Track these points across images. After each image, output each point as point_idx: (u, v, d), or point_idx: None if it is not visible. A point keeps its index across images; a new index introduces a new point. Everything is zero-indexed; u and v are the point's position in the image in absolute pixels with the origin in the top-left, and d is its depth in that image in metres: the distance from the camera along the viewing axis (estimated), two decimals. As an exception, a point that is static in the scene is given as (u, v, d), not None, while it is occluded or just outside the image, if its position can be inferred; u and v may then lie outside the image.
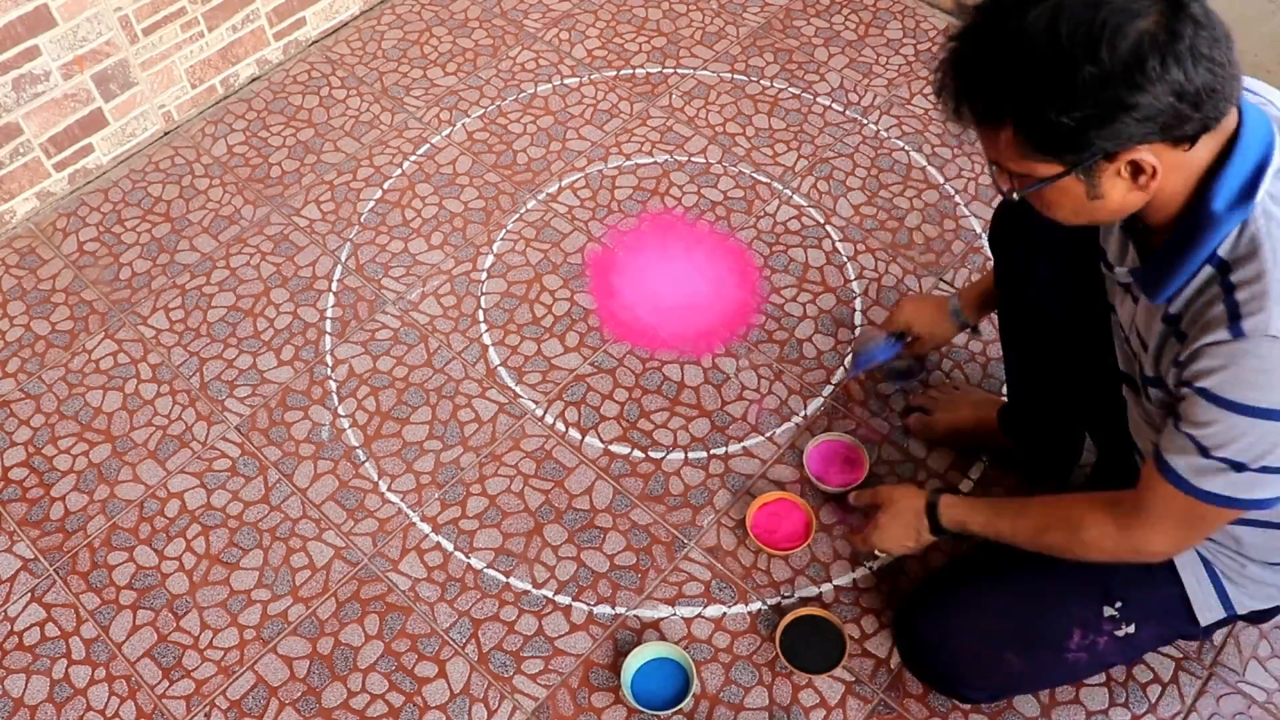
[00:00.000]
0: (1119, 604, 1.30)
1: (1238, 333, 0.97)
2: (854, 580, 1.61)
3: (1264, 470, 1.02)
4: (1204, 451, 1.04)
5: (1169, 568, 1.27)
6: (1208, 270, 1.01)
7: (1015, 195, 1.02)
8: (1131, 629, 1.30)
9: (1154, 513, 1.13)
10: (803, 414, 1.79)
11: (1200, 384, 1.01)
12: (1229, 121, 0.97)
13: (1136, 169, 0.95)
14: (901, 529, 1.42)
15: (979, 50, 0.95)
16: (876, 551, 1.48)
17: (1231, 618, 1.29)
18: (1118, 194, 0.98)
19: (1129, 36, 0.88)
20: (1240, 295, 0.98)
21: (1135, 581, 1.28)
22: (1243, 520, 1.16)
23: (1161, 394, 1.12)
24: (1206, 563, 1.26)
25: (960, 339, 1.81)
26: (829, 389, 1.82)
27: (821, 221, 2.06)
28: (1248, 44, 2.00)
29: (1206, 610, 1.27)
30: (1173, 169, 0.96)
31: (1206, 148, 0.97)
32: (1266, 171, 0.97)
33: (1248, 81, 1.03)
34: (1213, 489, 1.05)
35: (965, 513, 1.35)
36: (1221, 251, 1.00)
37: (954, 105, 0.98)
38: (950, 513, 1.37)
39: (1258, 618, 1.34)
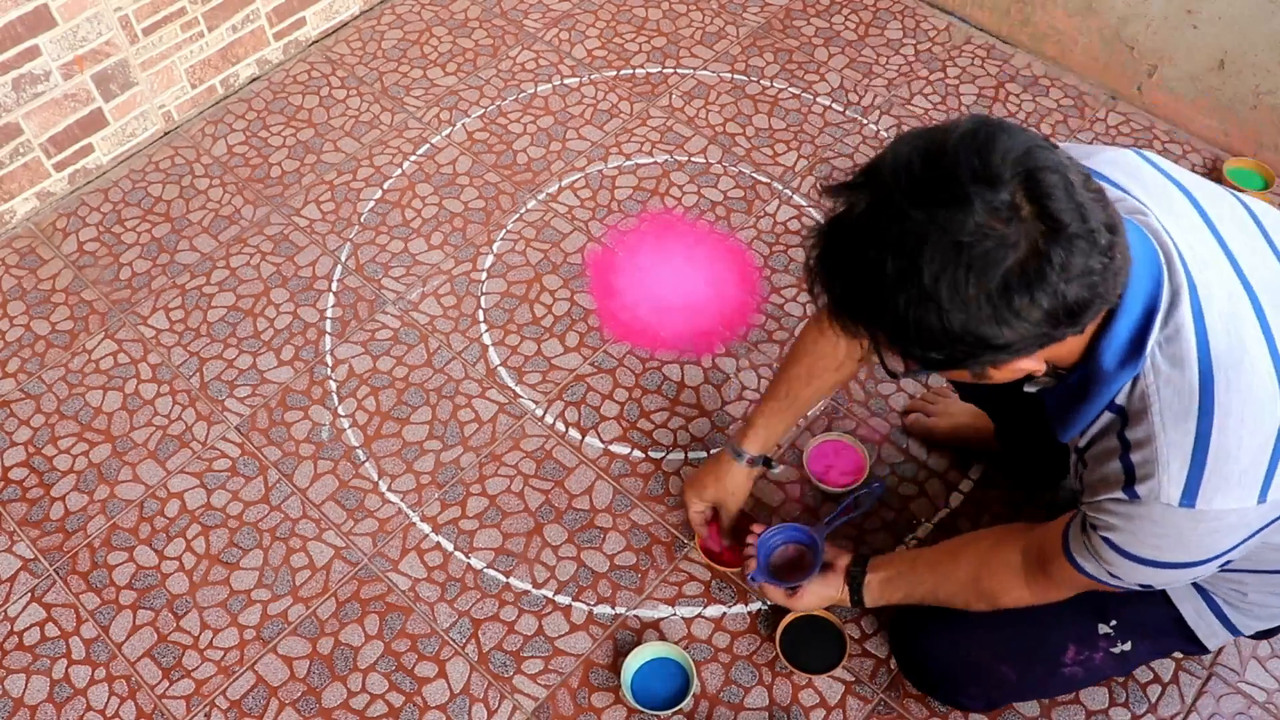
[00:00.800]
0: (1114, 622, 1.29)
1: (1133, 496, 0.97)
2: (854, 580, 1.61)
3: (1171, 579, 1.07)
4: (1110, 574, 1.07)
5: (1163, 595, 1.26)
6: (1108, 416, 0.99)
7: (893, 375, 0.96)
8: (1127, 646, 1.30)
9: (1060, 583, 1.18)
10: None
11: (1103, 534, 1.03)
12: None
13: (1019, 368, 0.92)
14: (822, 591, 1.46)
15: (840, 275, 0.89)
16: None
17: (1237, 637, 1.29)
18: (1001, 377, 0.95)
19: (994, 278, 0.81)
20: (1134, 457, 0.96)
21: (1131, 601, 1.26)
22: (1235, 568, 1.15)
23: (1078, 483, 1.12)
24: (1205, 592, 1.24)
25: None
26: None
27: (821, 221, 2.05)
28: (1248, 44, 2.00)
29: (1211, 637, 1.26)
30: (1058, 345, 0.91)
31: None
32: (1155, 318, 0.92)
33: (1123, 165, 1.02)
34: (1119, 581, 1.09)
35: (881, 590, 1.42)
36: (1119, 400, 0.98)
37: (825, 306, 0.92)
38: (871, 592, 1.43)
39: (1265, 634, 1.31)
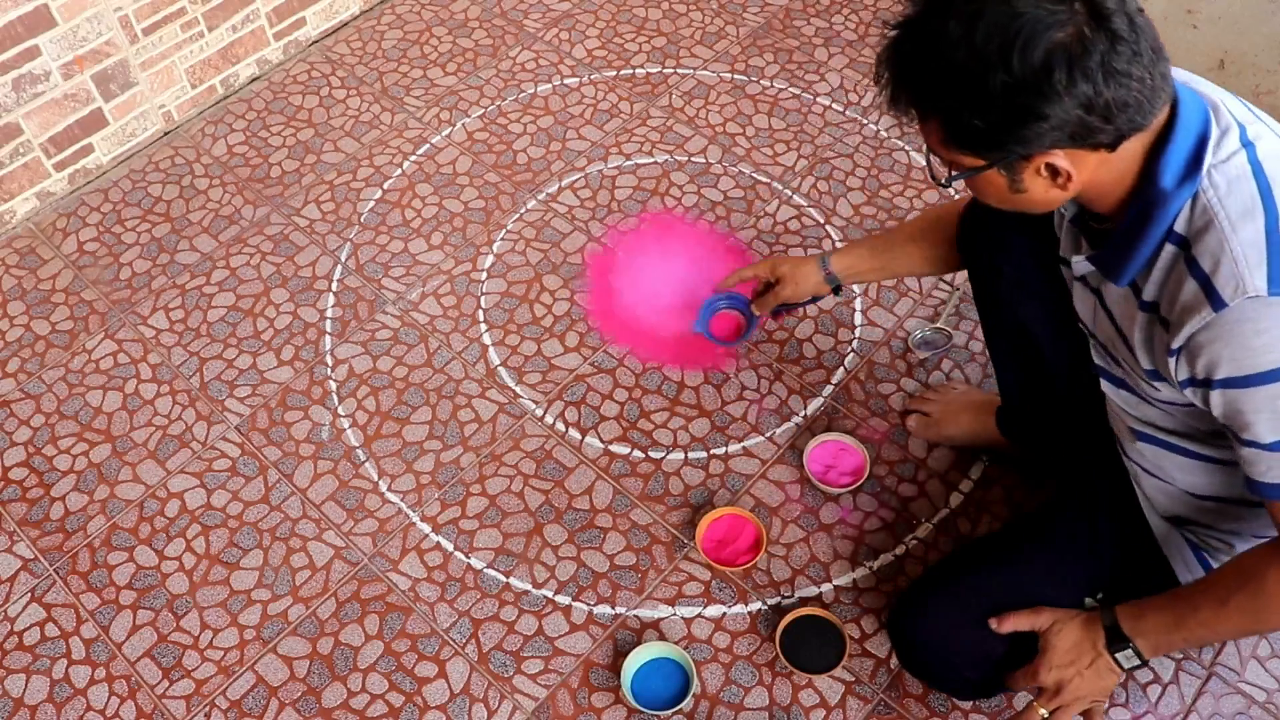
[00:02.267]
0: (1100, 595, 1.30)
1: (1219, 305, 0.97)
2: (854, 580, 1.61)
3: None
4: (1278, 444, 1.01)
5: (1157, 557, 1.26)
6: (1170, 250, 1.01)
7: (945, 182, 1.06)
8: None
9: None
10: (803, 414, 1.79)
11: (1218, 377, 0.99)
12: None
13: (1054, 170, 0.98)
14: (1091, 677, 1.23)
15: (908, 46, 0.99)
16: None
17: None
18: (1039, 190, 1.01)
19: (1039, 47, 0.90)
20: (1207, 267, 0.98)
21: (1116, 573, 1.28)
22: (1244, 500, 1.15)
23: (1171, 390, 1.09)
24: (1195, 548, 1.26)
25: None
26: (829, 389, 1.82)
27: (821, 221, 2.06)
28: (1248, 44, 2.00)
29: None
30: (1099, 166, 0.99)
31: (1141, 138, 0.98)
32: (1208, 144, 0.98)
33: (1182, 76, 1.05)
34: None
35: (1153, 626, 1.18)
36: (1179, 228, 1.00)
37: (888, 95, 1.01)
38: (1138, 627, 1.19)
39: None
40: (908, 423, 1.75)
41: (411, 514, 1.70)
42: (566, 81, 2.36)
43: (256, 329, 1.95)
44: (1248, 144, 0.99)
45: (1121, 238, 1.04)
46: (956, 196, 1.78)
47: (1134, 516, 1.32)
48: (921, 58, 0.97)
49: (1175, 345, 1.02)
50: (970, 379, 1.82)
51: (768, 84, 2.31)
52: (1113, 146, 0.96)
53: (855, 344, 1.87)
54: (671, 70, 2.37)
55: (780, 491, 1.70)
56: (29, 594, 1.64)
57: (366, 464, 1.76)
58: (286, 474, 1.76)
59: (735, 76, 2.34)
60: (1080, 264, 1.12)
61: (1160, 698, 1.48)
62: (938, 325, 1.85)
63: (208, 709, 1.52)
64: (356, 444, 1.79)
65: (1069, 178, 0.98)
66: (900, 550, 1.63)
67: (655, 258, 2.01)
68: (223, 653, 1.57)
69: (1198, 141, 0.99)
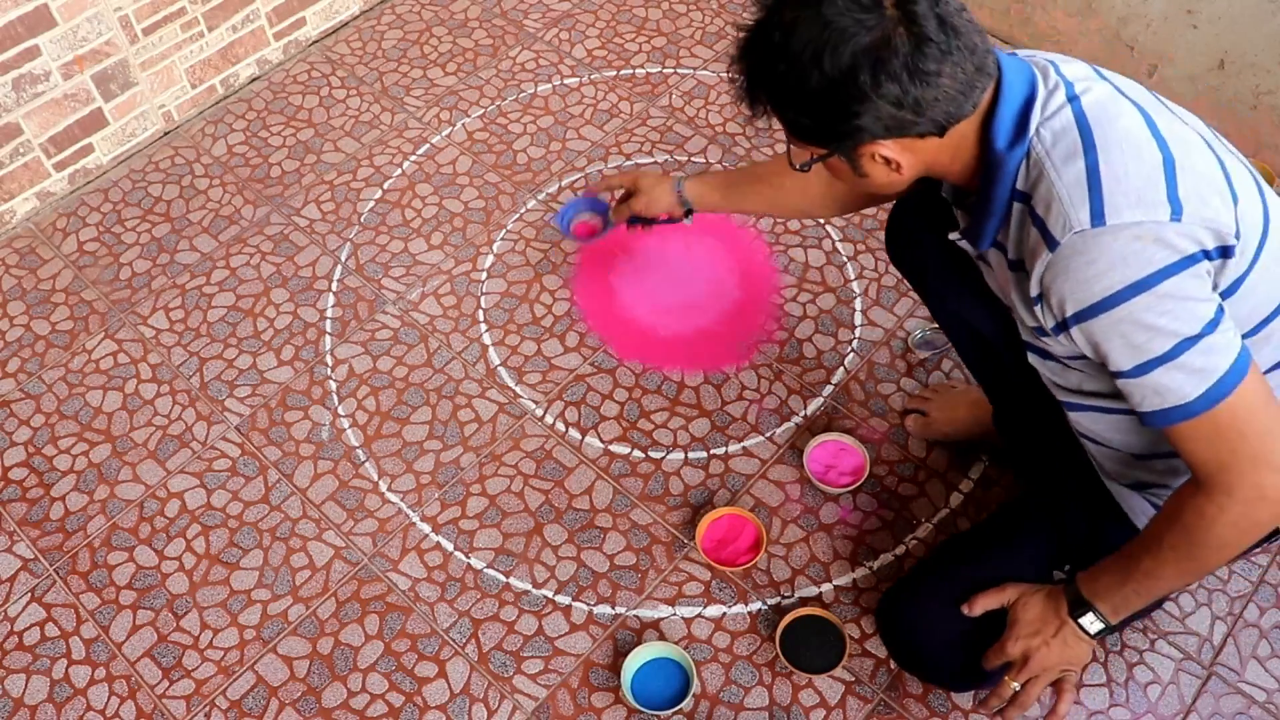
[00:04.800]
0: (1067, 567, 1.32)
1: (1053, 245, 1.03)
2: (854, 580, 1.61)
3: (1203, 326, 1.01)
4: (1144, 366, 1.03)
5: (1128, 527, 1.27)
6: (1018, 208, 1.08)
7: (800, 167, 1.16)
8: None
9: (1219, 456, 1.04)
10: (803, 414, 1.79)
11: (1069, 314, 1.05)
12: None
13: (885, 158, 1.07)
14: (1058, 646, 1.24)
15: (747, 52, 1.09)
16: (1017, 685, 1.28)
17: None
18: (879, 175, 1.11)
19: (845, 53, 0.99)
20: (1041, 213, 1.04)
21: (1079, 542, 1.30)
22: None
23: (1060, 345, 1.13)
24: (1158, 509, 1.25)
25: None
26: (829, 389, 1.82)
27: (821, 221, 2.06)
28: (1248, 44, 2.00)
29: None
30: (936, 149, 1.07)
31: (970, 119, 1.06)
32: (1034, 105, 1.06)
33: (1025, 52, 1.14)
34: (1208, 381, 1.02)
35: (1106, 585, 1.20)
36: (1020, 185, 1.08)
37: (740, 94, 1.11)
38: (1092, 588, 1.21)
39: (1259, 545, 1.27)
40: (906, 422, 1.75)
41: (411, 514, 1.70)
42: (566, 81, 2.36)
43: (256, 329, 1.95)
44: (1073, 98, 1.06)
45: (977, 205, 1.12)
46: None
47: (1098, 491, 1.33)
48: (756, 63, 1.08)
49: (1034, 293, 1.08)
50: (969, 379, 1.82)
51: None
52: (939, 133, 1.05)
53: (855, 344, 1.87)
54: (671, 70, 2.37)
55: (780, 491, 1.70)
56: (29, 594, 1.64)
57: (366, 464, 1.76)
58: (286, 474, 1.76)
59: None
60: (959, 241, 1.19)
61: (1160, 698, 1.48)
62: (937, 325, 1.85)
63: (208, 709, 1.52)
64: (356, 444, 1.79)
65: (899, 164, 1.08)
66: (900, 550, 1.63)
67: (653, 258, 2.01)
68: (223, 653, 1.57)
69: (1024, 104, 1.06)
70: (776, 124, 1.14)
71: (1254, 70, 2.03)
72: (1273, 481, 1.03)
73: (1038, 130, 1.05)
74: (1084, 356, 1.13)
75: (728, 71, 1.13)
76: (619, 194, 1.75)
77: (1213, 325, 1.02)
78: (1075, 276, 1.02)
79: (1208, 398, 1.02)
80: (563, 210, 1.82)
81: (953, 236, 1.20)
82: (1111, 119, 1.04)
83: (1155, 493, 1.28)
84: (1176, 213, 1.00)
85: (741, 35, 1.10)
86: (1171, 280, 1.00)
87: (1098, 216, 1.00)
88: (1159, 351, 1.02)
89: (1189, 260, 1.00)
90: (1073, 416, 1.26)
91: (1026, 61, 1.10)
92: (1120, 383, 1.07)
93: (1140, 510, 1.29)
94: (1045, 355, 1.21)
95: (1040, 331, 1.13)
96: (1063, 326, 1.07)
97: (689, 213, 1.67)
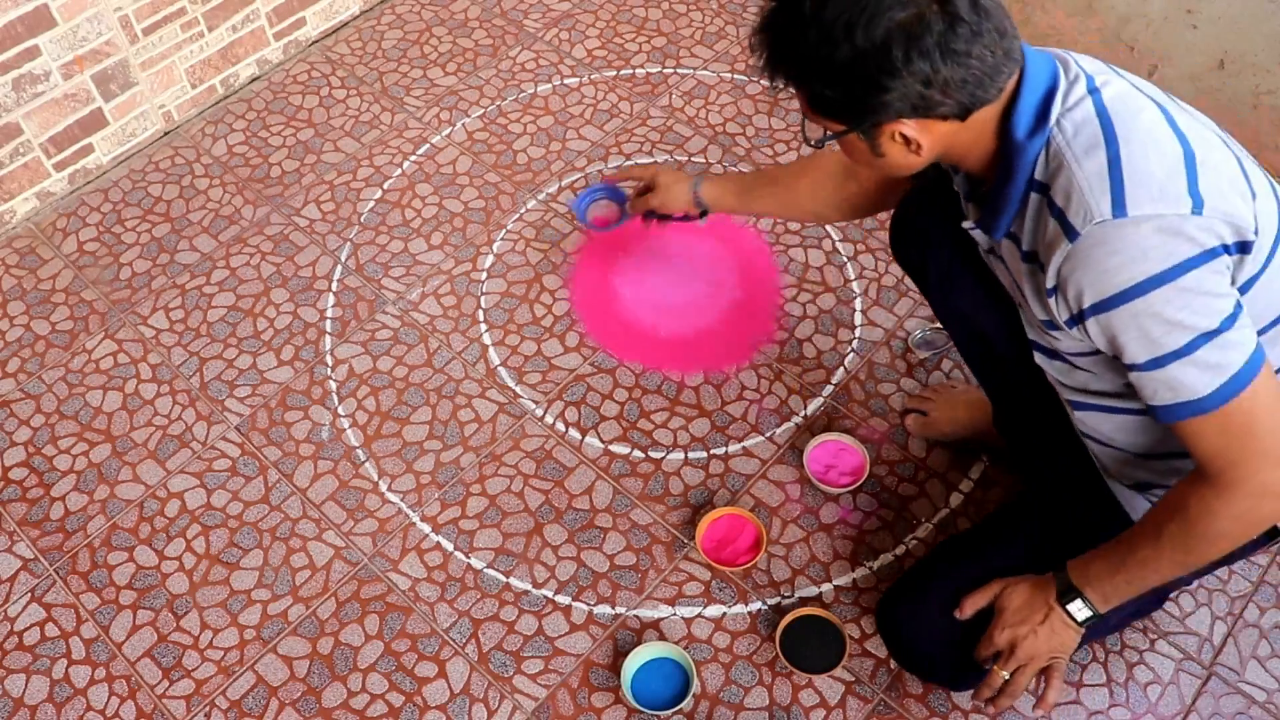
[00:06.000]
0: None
1: (1073, 235, 1.02)
2: (854, 580, 1.61)
3: (1222, 322, 1.01)
4: (1160, 360, 1.03)
5: (1124, 525, 1.26)
6: (1035, 198, 1.08)
7: (815, 143, 1.15)
8: None
9: (1228, 452, 1.04)
10: (803, 414, 1.79)
11: (1087, 305, 1.04)
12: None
13: (905, 137, 1.07)
14: (1045, 633, 1.24)
15: (774, 21, 1.07)
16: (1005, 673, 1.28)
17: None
18: (896, 155, 1.10)
19: (880, 26, 0.98)
20: (1061, 203, 1.04)
21: (1079, 542, 1.27)
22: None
23: (1071, 340, 1.13)
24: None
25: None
26: (829, 389, 1.82)
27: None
28: (1248, 44, 2.00)
29: None
30: (956, 132, 1.07)
31: (992, 106, 1.06)
32: (1055, 96, 1.06)
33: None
34: (1222, 377, 1.02)
35: (1097, 572, 1.20)
36: (1039, 176, 1.07)
37: (762, 65, 1.10)
38: (1081, 576, 1.21)
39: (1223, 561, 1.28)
40: (906, 422, 1.75)
41: (411, 514, 1.70)
42: (566, 81, 2.36)
43: (256, 329, 1.95)
44: (1094, 90, 1.06)
45: (993, 195, 1.12)
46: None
47: (1099, 491, 1.33)
48: (783, 33, 1.05)
49: (1050, 285, 1.08)
50: (970, 379, 1.82)
51: (768, 84, 2.31)
52: (962, 117, 1.05)
53: (855, 344, 1.87)
54: (671, 70, 2.37)
55: (780, 491, 1.70)
56: (29, 594, 1.64)
57: (366, 464, 1.76)
58: (286, 474, 1.76)
59: (735, 76, 2.34)
60: (972, 231, 1.19)
61: (1160, 698, 1.48)
62: (938, 325, 1.85)
63: (208, 709, 1.52)
64: (356, 444, 1.79)
65: (919, 145, 1.07)
66: (900, 550, 1.63)
67: (650, 258, 2.01)
68: (223, 653, 1.57)
69: (1045, 95, 1.06)
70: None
71: (1254, 70, 2.03)
72: (1264, 479, 1.04)
73: (1058, 121, 1.05)
74: (1092, 353, 1.12)
75: (749, 40, 1.11)
76: (638, 185, 1.77)
77: (1230, 321, 1.02)
78: (1096, 267, 1.02)
79: (1221, 394, 1.03)
80: (581, 195, 1.84)
81: (966, 225, 1.20)
82: (1133, 113, 1.04)
83: (1157, 493, 1.28)
84: (1198, 206, 1.00)
85: (769, 4, 1.08)
86: (1193, 274, 1.00)
87: (1119, 208, 1.00)
88: (1175, 346, 1.02)
89: (1210, 254, 1.01)
90: (1077, 416, 1.26)
91: (1049, 53, 1.10)
92: (1133, 375, 1.07)
93: (1142, 510, 1.29)
94: (1052, 354, 1.21)
95: (1051, 325, 1.13)
96: (1078, 319, 1.07)
97: (704, 214, 1.69)
